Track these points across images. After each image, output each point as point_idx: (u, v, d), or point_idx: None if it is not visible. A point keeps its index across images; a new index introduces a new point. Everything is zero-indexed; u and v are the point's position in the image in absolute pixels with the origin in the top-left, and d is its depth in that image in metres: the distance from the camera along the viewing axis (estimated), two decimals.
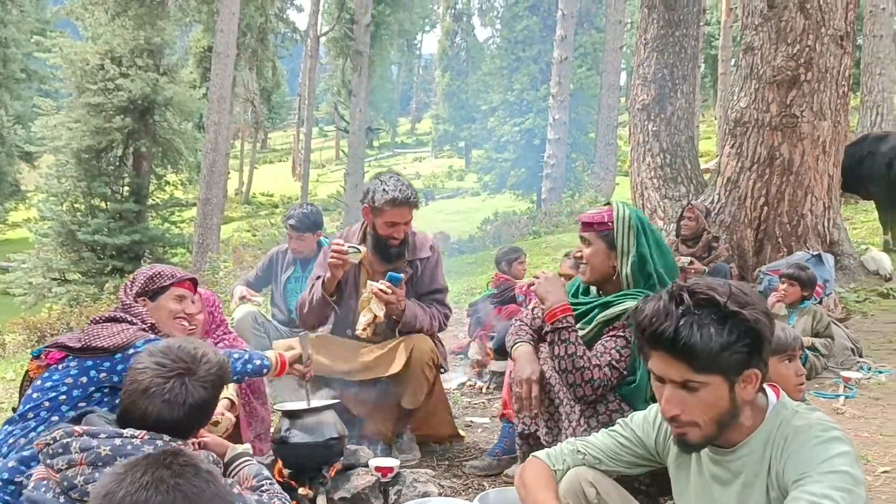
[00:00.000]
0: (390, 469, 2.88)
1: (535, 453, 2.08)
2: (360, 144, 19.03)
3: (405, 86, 61.67)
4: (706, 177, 9.60)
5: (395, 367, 3.41)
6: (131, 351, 2.37)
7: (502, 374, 4.70)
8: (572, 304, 2.63)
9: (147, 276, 2.75)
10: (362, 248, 3.39)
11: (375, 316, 3.31)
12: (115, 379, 2.36)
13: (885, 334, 5.71)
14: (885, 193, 8.64)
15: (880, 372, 4.76)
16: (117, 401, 2.10)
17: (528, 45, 28.14)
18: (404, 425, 3.62)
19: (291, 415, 2.92)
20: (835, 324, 5.10)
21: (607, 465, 1.99)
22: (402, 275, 3.41)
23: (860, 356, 5.04)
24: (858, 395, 4.34)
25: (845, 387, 4.43)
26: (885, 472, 3.16)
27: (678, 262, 5.41)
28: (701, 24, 10.13)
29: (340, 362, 3.48)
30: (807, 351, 4.34)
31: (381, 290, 3.30)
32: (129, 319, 2.54)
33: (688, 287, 1.63)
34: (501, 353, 3.75)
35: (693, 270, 5.77)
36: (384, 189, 3.38)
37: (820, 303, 5.54)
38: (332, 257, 3.33)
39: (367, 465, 2.96)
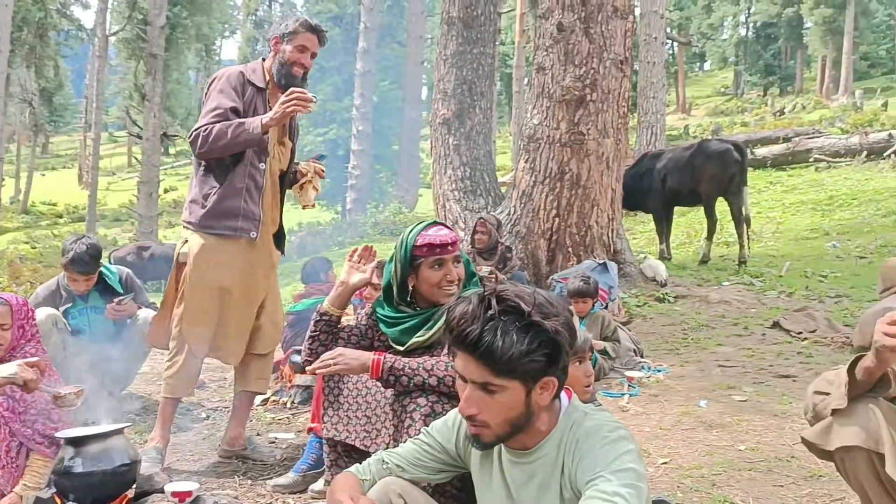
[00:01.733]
0: (188, 494, 2.72)
1: (346, 469, 2.07)
2: (154, 151, 17.99)
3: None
4: (503, 189, 10.03)
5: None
6: None
7: (308, 387, 4.61)
8: (403, 316, 2.69)
9: None
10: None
11: (316, 189, 3.74)
12: None
13: (662, 335, 6.23)
14: (661, 206, 9.48)
15: (659, 370, 5.18)
16: None
17: (330, 55, 28.04)
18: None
19: (75, 442, 2.68)
20: (619, 327, 5.50)
21: (411, 473, 2.01)
22: (326, 154, 3.90)
23: (642, 356, 5.46)
24: (641, 392, 4.70)
25: (629, 386, 4.77)
26: (664, 463, 3.43)
27: (479, 271, 5.59)
28: (497, 43, 10.57)
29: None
30: (596, 353, 4.64)
31: (321, 168, 3.73)
32: None
33: (497, 293, 1.68)
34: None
35: (494, 280, 5.99)
36: (297, 17, 3.58)
37: (606, 308, 5.94)
38: (294, 104, 3.22)
39: (163, 491, 2.79)
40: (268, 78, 3.52)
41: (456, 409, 1.93)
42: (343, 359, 2.55)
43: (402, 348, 2.68)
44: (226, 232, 3.40)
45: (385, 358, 2.52)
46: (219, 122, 3.30)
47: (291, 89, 3.28)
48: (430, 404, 2.46)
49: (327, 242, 19.02)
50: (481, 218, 7.06)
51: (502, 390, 1.64)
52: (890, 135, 16.67)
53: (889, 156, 15.94)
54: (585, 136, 7.22)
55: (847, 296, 7.18)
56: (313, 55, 3.53)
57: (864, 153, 16.38)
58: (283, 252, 3.75)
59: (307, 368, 2.68)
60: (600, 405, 2.62)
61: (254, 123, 3.28)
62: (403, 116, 27.03)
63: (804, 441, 2.10)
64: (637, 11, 13.70)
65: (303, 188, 3.62)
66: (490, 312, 1.64)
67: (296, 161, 3.75)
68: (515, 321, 1.63)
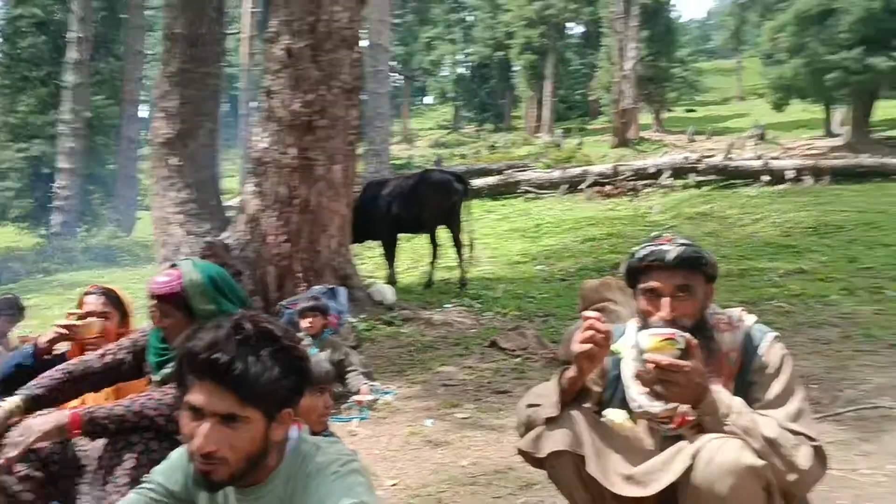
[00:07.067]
0: None
1: None
2: None
3: None
4: (231, 214, 9.72)
5: None
6: None
7: None
8: (162, 348, 2.56)
9: None
10: None
11: None
12: None
13: (389, 358, 6.38)
14: (387, 232, 9.76)
15: (387, 393, 5.29)
16: None
17: (35, 65, 25.43)
18: None
19: None
20: (350, 352, 5.54)
21: None
22: None
23: (371, 380, 5.53)
24: (370, 415, 4.77)
25: (359, 410, 4.82)
26: (393, 484, 3.51)
27: None
28: (223, 63, 10.28)
29: None
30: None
31: None
32: None
33: (250, 317, 1.62)
34: None
35: None
36: None
37: (336, 333, 5.97)
38: None
39: None
40: None
41: (180, 449, 1.82)
42: (30, 431, 2.27)
43: (158, 378, 2.54)
44: None
45: (83, 410, 2.31)
46: None
47: None
48: (144, 441, 2.30)
49: (29, 269, 17.11)
50: (208, 242, 6.80)
51: (246, 422, 1.57)
52: (584, 170, 18.71)
53: (584, 189, 17.88)
54: (314, 162, 7.24)
55: (553, 315, 7.87)
56: None
57: (565, 186, 18.22)
58: None
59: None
60: (331, 433, 2.61)
61: None
62: (121, 134, 25.26)
63: (519, 451, 2.25)
64: (364, 43, 14.11)
65: None
66: (242, 337, 1.57)
67: None
68: (269, 347, 1.58)
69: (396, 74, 43.30)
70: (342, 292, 6.93)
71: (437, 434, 4.30)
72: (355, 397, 4.97)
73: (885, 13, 21.83)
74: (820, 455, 2.00)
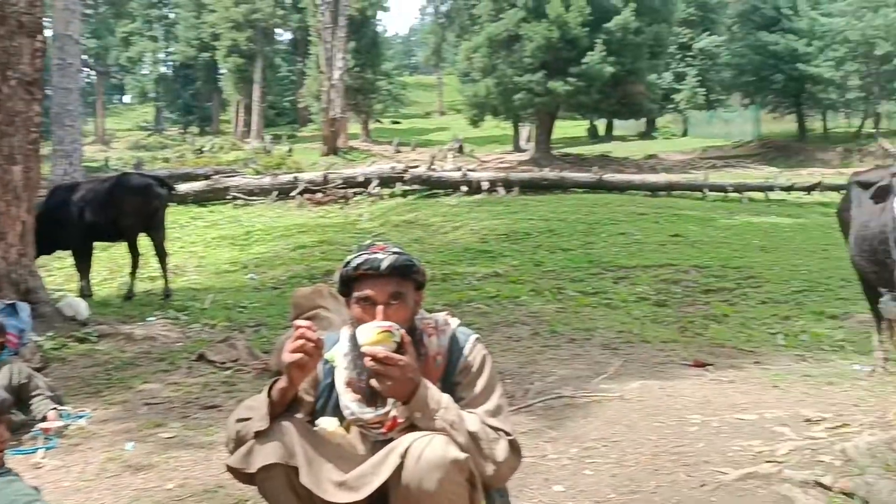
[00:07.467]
0: None
1: None
2: None
3: None
4: None
5: None
6: None
7: None
8: None
9: None
10: None
11: None
12: None
13: (83, 378, 5.82)
14: (79, 241, 8.94)
15: (80, 417, 4.82)
16: None
17: None
18: None
19: None
20: (34, 375, 4.96)
21: None
22: None
23: (60, 404, 5.00)
24: (59, 444, 4.30)
25: (45, 438, 4.33)
26: None
27: None
28: None
29: None
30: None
31: None
32: None
33: None
34: None
35: None
36: None
37: (16, 354, 5.33)
38: None
39: None
40: None
41: None
42: None
43: None
44: None
45: None
46: None
47: None
48: None
49: None
50: None
51: None
52: (295, 177, 18.68)
53: (294, 196, 17.84)
54: None
55: (265, 324, 7.73)
56: None
57: (275, 193, 18.03)
58: None
59: None
60: (8, 471, 2.31)
61: None
62: None
63: (229, 468, 2.16)
64: (49, 33, 12.77)
65: None
66: None
67: None
68: None
69: (88, 69, 39.96)
70: (24, 308, 6.26)
71: (139, 457, 4.00)
72: (41, 425, 4.46)
73: (563, 42, 24.59)
74: (514, 448, 2.18)
